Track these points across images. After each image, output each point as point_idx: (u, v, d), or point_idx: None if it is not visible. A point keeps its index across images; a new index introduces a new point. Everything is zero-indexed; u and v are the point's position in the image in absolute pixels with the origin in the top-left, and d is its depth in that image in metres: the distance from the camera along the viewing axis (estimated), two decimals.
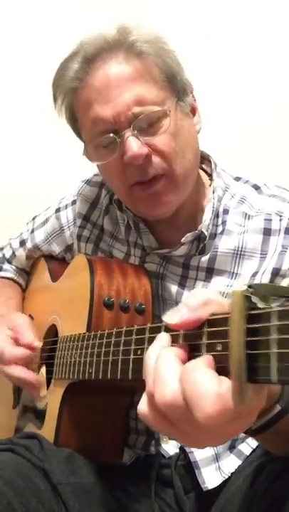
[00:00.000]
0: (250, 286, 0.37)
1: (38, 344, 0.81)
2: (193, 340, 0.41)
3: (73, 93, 0.75)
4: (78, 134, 0.80)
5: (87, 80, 0.72)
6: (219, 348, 0.39)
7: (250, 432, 0.46)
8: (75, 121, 0.79)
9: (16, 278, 1.05)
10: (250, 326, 0.36)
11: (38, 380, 0.80)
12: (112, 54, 0.71)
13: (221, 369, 0.38)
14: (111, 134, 0.71)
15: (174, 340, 0.43)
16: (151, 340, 0.46)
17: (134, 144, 0.69)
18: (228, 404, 0.36)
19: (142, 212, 0.78)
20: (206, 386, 0.36)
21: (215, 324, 0.40)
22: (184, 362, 0.40)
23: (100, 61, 0.71)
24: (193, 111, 0.79)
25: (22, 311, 1.01)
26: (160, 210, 0.75)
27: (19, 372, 0.79)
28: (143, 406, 0.41)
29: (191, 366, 0.38)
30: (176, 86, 0.74)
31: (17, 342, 0.81)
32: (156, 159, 0.71)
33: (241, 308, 0.36)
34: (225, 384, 0.36)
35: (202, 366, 0.38)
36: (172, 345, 0.43)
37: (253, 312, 0.36)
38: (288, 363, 0.32)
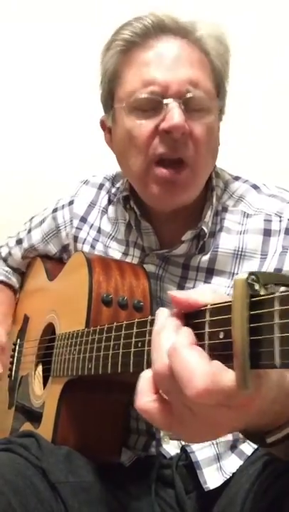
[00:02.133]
0: (251, 274, 0.37)
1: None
2: (195, 330, 0.41)
3: (133, 46, 0.73)
4: (110, 93, 0.77)
5: (153, 41, 0.72)
6: (221, 335, 0.39)
7: (265, 445, 0.45)
8: (115, 78, 0.76)
9: (7, 280, 1.05)
10: (252, 312, 0.36)
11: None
12: (183, 37, 0.72)
13: (224, 356, 0.38)
14: (159, 97, 0.70)
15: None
16: (152, 332, 0.46)
17: (179, 115, 0.69)
18: (218, 382, 0.36)
19: (153, 194, 0.74)
20: (195, 364, 0.37)
21: (217, 313, 0.40)
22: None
23: (171, 35, 0.72)
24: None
25: (15, 310, 1.01)
26: (172, 200, 0.74)
27: None
28: (144, 387, 0.41)
29: (176, 343, 0.39)
30: (221, 93, 0.76)
31: None
32: (189, 143, 0.71)
33: (244, 296, 0.36)
34: (214, 363, 0.37)
35: (187, 344, 0.38)
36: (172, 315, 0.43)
37: (255, 299, 0.36)
38: None
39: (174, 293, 0.42)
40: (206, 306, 0.41)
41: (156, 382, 0.41)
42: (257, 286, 0.37)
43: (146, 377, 0.42)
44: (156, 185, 0.73)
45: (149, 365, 0.42)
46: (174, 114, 0.68)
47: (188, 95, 0.70)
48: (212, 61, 0.74)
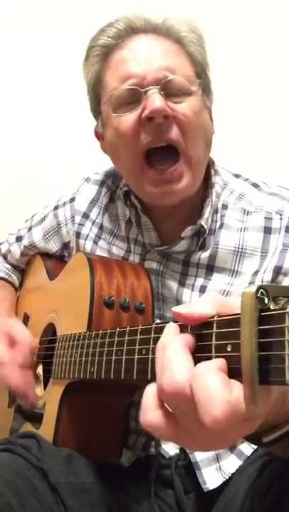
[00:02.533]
0: (260, 288, 0.37)
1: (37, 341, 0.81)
2: (201, 341, 0.41)
3: (109, 50, 0.76)
4: (97, 100, 0.80)
5: (127, 41, 0.75)
6: (229, 349, 0.38)
7: (260, 444, 0.45)
8: (98, 83, 0.78)
9: (7, 277, 1.04)
10: (261, 327, 0.36)
11: (27, 393, 0.80)
12: (154, 33, 0.75)
13: (231, 370, 0.38)
14: (137, 87, 0.71)
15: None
16: (156, 340, 0.45)
17: (157, 99, 0.69)
18: (237, 410, 0.35)
19: (150, 194, 0.75)
20: (217, 391, 0.36)
21: (224, 325, 0.39)
22: (192, 350, 0.40)
23: (143, 33, 0.75)
24: (210, 114, 0.80)
25: (15, 311, 1.00)
26: (171, 197, 0.74)
27: (16, 380, 0.79)
28: (149, 403, 0.40)
29: (203, 368, 0.37)
30: (204, 80, 0.77)
31: (13, 343, 0.81)
32: (174, 126, 0.71)
33: (253, 310, 0.36)
34: (236, 390, 0.36)
35: (214, 369, 0.37)
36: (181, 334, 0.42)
37: (265, 313, 0.36)
38: None
39: (177, 309, 0.41)
40: (213, 317, 0.41)
41: (162, 398, 0.40)
42: (266, 300, 0.37)
43: (150, 393, 0.41)
44: (152, 186, 0.73)
45: (153, 373, 0.42)
46: (154, 99, 0.69)
47: (166, 80, 0.71)
48: (187, 49, 0.76)
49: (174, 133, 0.71)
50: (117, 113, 0.73)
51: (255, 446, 0.74)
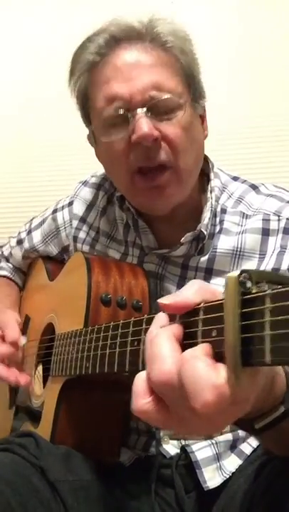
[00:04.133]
0: (244, 272, 0.37)
1: (24, 341, 0.81)
2: (188, 328, 0.41)
3: (92, 67, 0.74)
4: (86, 115, 0.80)
5: (109, 57, 0.72)
6: (214, 333, 0.39)
7: (253, 432, 0.46)
8: (86, 100, 0.78)
9: (12, 277, 1.05)
10: (244, 310, 0.36)
11: (17, 379, 0.81)
12: (138, 41, 0.72)
13: (216, 354, 0.38)
14: (123, 111, 0.70)
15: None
16: (147, 331, 0.46)
17: (145, 124, 0.68)
18: (225, 393, 0.36)
19: (142, 203, 0.77)
20: (204, 376, 0.36)
21: (210, 311, 0.40)
22: (179, 340, 0.41)
23: (125, 43, 0.72)
24: (202, 118, 0.79)
25: (19, 308, 1.01)
26: (161, 203, 0.74)
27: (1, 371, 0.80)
28: (140, 390, 0.41)
29: (189, 353, 0.38)
30: (193, 85, 0.75)
31: (3, 339, 0.83)
32: (164, 147, 0.71)
33: (235, 293, 0.36)
34: (222, 373, 0.37)
35: (200, 354, 0.38)
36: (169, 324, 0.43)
37: (247, 297, 0.36)
38: (280, 343, 0.32)
39: (161, 300, 0.42)
40: (199, 305, 0.41)
41: (152, 388, 0.40)
42: (249, 284, 0.37)
43: (141, 379, 0.41)
44: (142, 196, 0.75)
45: (144, 365, 0.42)
46: (140, 124, 0.69)
47: (153, 101, 0.70)
48: (176, 53, 0.73)
49: (164, 154, 0.71)
50: (106, 136, 0.73)
51: (255, 446, 0.74)
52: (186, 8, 1.35)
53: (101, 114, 0.73)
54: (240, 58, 1.36)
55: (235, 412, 0.38)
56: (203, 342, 0.40)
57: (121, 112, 0.70)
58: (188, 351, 0.39)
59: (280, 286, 0.34)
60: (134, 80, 0.70)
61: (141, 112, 0.69)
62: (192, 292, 0.42)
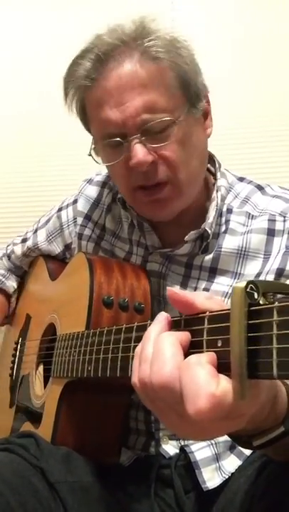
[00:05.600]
0: (250, 283, 0.37)
1: None
2: (193, 337, 0.41)
3: (85, 91, 0.74)
4: (88, 127, 0.80)
5: (99, 80, 0.71)
6: (219, 344, 0.39)
7: (251, 448, 0.46)
8: (85, 115, 0.78)
9: (1, 284, 1.07)
10: (250, 321, 0.36)
11: None
12: (127, 54, 0.70)
13: (222, 365, 0.38)
14: (118, 138, 0.71)
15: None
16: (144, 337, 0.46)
17: (140, 151, 0.69)
18: (222, 404, 0.36)
19: (145, 214, 0.79)
20: (203, 383, 0.37)
21: (215, 320, 0.40)
22: (184, 347, 0.41)
23: (114, 62, 0.70)
24: (206, 114, 0.78)
25: (15, 312, 1.03)
26: (163, 215, 0.76)
27: None
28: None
29: (193, 359, 0.38)
30: (189, 92, 0.73)
31: None
32: (161, 166, 0.72)
33: (242, 304, 0.36)
34: (222, 384, 0.37)
35: (204, 362, 0.38)
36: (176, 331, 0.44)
37: (254, 308, 0.36)
38: (287, 357, 0.32)
39: (172, 288, 0.43)
40: (205, 312, 0.41)
41: (150, 390, 0.40)
42: (256, 295, 0.37)
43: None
44: (144, 208, 0.77)
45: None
46: (135, 152, 0.70)
47: (146, 126, 0.69)
48: (167, 66, 0.70)
49: (162, 173, 0.72)
50: (105, 159, 0.75)
51: None
52: (186, 8, 1.34)
53: (98, 135, 0.75)
54: (241, 57, 1.35)
55: (229, 425, 0.39)
56: (208, 352, 0.40)
57: (116, 138, 0.71)
58: (193, 357, 0.39)
59: (286, 299, 0.34)
60: (125, 105, 0.69)
61: (135, 138, 0.70)
62: (202, 298, 0.42)
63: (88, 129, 0.80)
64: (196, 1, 1.38)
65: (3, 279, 1.06)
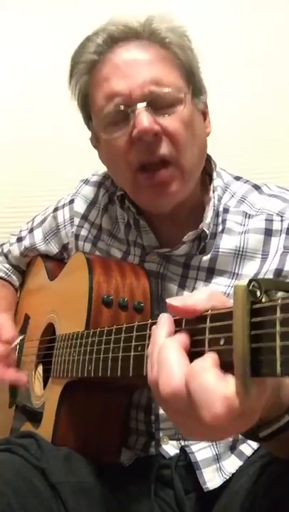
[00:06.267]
0: (252, 281, 0.37)
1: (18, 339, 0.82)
2: (195, 336, 0.41)
3: (92, 66, 0.75)
4: (87, 115, 0.80)
5: (108, 55, 0.73)
6: (222, 342, 0.39)
7: (257, 440, 0.46)
8: (87, 100, 0.78)
9: (6, 277, 1.05)
10: (253, 320, 0.36)
11: (12, 377, 0.82)
12: (136, 39, 0.73)
13: (224, 363, 0.38)
14: (123, 107, 0.70)
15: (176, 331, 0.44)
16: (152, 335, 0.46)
17: (145, 118, 0.68)
18: (235, 404, 0.36)
19: (145, 201, 0.76)
20: (213, 388, 0.37)
21: (217, 319, 0.40)
22: (186, 349, 0.41)
23: (124, 41, 0.72)
24: (204, 114, 0.79)
25: (14, 310, 1.01)
26: (164, 201, 0.74)
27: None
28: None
29: (198, 365, 0.38)
30: (193, 81, 0.75)
31: None
32: (165, 141, 0.70)
33: (245, 303, 0.36)
34: (231, 384, 0.37)
35: (209, 366, 0.38)
36: (176, 331, 0.43)
37: (256, 306, 0.36)
38: None
39: (170, 301, 0.42)
40: (207, 311, 0.41)
41: (160, 399, 0.40)
42: (258, 293, 0.37)
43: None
44: (145, 192, 0.74)
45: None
46: (141, 119, 0.68)
47: (153, 96, 0.70)
48: (173, 52, 0.73)
49: (166, 148, 0.70)
50: (107, 134, 0.73)
51: (256, 447, 0.74)
52: (186, 8, 1.34)
53: (102, 112, 0.73)
54: (240, 57, 1.35)
55: (244, 422, 0.38)
56: (210, 350, 0.39)
57: (121, 108, 0.70)
58: (197, 362, 0.39)
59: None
60: (133, 76, 0.70)
61: (141, 106, 0.69)
62: (203, 298, 0.41)
63: (87, 117, 0.80)
64: (196, 1, 1.38)
65: (9, 273, 1.06)
